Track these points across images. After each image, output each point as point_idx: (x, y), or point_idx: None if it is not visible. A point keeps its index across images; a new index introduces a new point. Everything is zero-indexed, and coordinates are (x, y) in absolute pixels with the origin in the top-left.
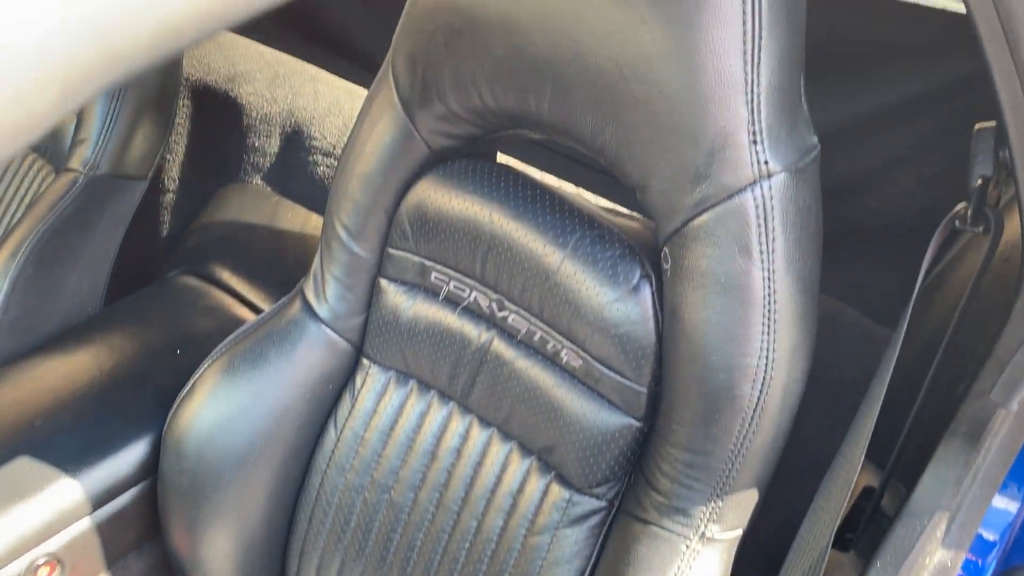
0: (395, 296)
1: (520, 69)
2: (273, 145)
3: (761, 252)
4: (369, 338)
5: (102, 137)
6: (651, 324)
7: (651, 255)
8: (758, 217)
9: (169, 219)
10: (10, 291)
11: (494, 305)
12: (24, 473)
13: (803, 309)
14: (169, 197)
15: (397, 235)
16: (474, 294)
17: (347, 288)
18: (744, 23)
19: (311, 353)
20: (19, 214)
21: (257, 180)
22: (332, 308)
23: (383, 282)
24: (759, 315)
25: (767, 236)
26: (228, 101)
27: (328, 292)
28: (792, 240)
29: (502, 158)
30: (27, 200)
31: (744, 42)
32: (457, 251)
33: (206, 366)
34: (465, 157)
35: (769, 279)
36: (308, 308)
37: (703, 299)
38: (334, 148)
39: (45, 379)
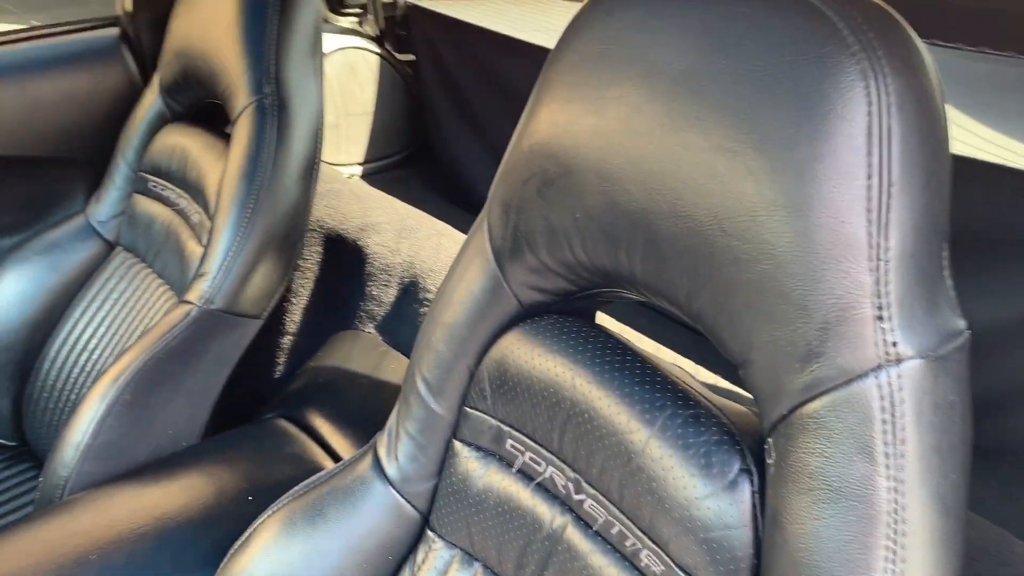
0: (468, 461)
1: (612, 221)
2: (390, 295)
3: (886, 455)
4: (437, 508)
5: (220, 272)
6: (749, 531)
7: (755, 445)
8: (883, 411)
9: (283, 360)
10: (105, 415)
11: (571, 486)
12: None
13: (942, 534)
14: (286, 340)
15: (476, 393)
16: (550, 470)
17: (420, 448)
18: (870, 176)
19: (374, 517)
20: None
21: (370, 328)
22: (402, 469)
23: (457, 444)
24: (882, 535)
25: (894, 436)
26: (356, 249)
27: (400, 450)
28: (928, 444)
29: (601, 318)
30: (146, 328)
31: (869, 198)
32: (536, 417)
33: (264, 517)
34: (557, 314)
35: (896, 490)
36: (378, 466)
37: (811, 506)
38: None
39: (112, 511)
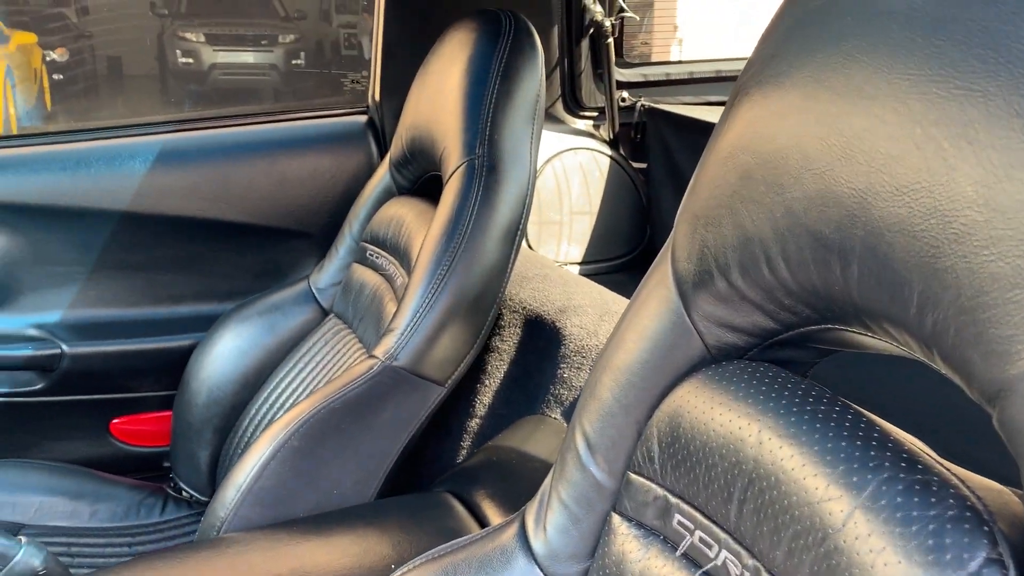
0: (625, 541)
1: (821, 215)
2: (582, 379)
3: None
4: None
5: (408, 329)
6: None
7: (1012, 531)
8: None
9: (466, 441)
10: (269, 459)
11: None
12: None
13: None
14: (473, 422)
15: (642, 455)
16: (723, 555)
17: (573, 520)
18: None
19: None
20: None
21: (557, 414)
22: (550, 543)
23: (616, 519)
24: None
25: None
26: (553, 331)
27: (550, 520)
28: None
29: None
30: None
31: None
32: (709, 484)
33: None
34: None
35: None
36: (523, 537)
37: None
38: None
39: (251, 555)
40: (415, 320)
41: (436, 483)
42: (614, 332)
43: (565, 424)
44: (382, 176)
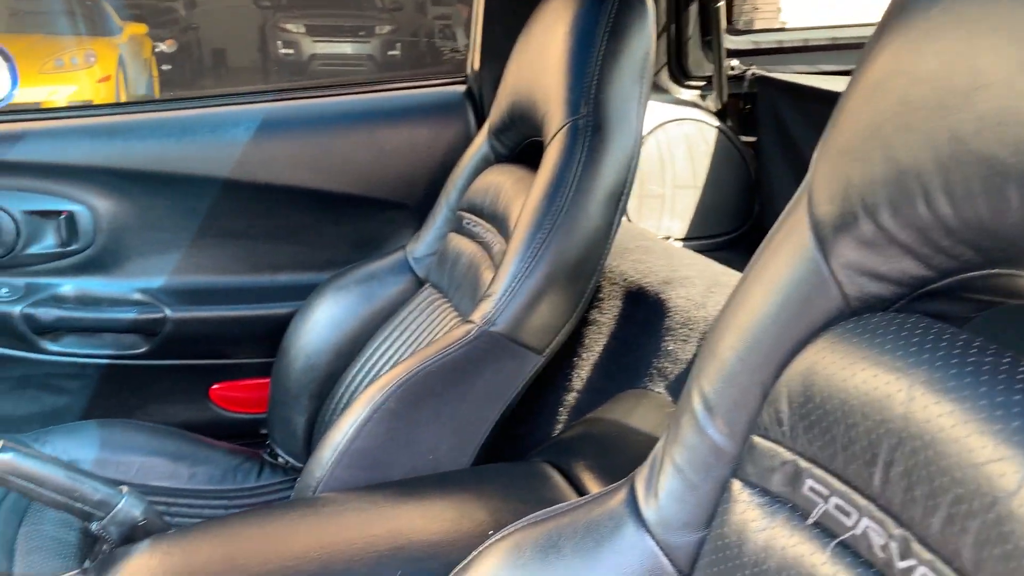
0: (748, 509)
1: (993, 139)
2: (688, 351)
3: None
4: (699, 569)
5: (507, 294)
6: None
7: None
8: None
9: (563, 414)
10: (366, 421)
11: (895, 546)
12: None
13: None
14: (570, 395)
15: (769, 417)
16: (864, 522)
17: (689, 486)
18: None
19: (619, 565)
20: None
21: (660, 388)
22: (663, 510)
23: (737, 485)
24: None
25: None
26: (657, 303)
27: (663, 486)
28: None
29: None
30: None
31: None
32: (849, 446)
33: (492, 541)
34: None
35: None
36: (633, 503)
37: None
38: None
39: (346, 514)
40: (513, 285)
41: (533, 454)
42: (736, 290)
43: (670, 398)
44: (480, 145)
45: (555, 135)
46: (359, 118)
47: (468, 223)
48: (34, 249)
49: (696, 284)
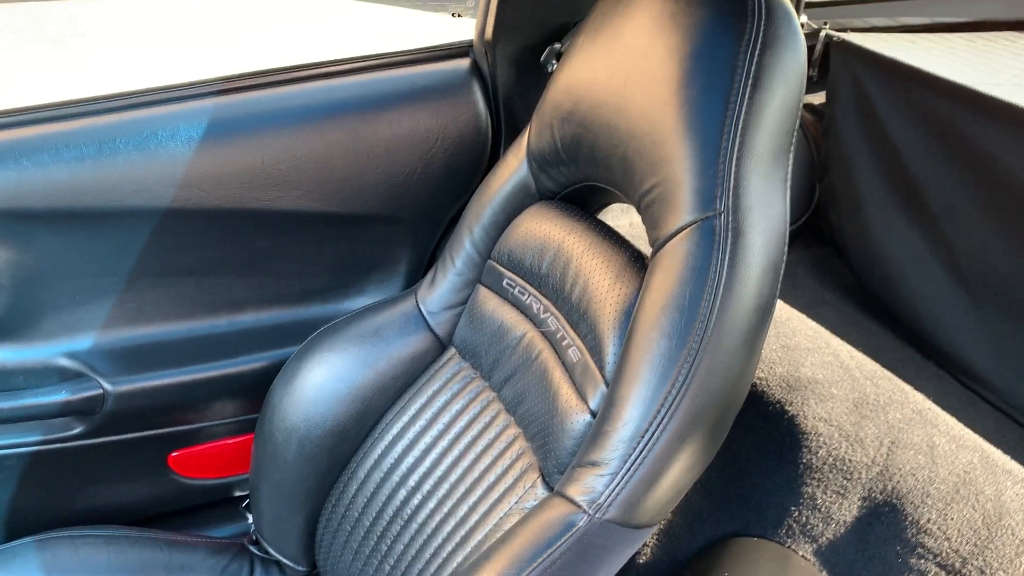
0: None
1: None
2: (843, 512)
3: None
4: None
5: (625, 470)
6: None
7: None
8: None
9: (661, 566)
10: None
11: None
12: None
13: None
14: (664, 543)
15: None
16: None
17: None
18: None
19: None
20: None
21: (791, 542)
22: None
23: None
24: None
25: None
26: (778, 417)
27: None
28: None
29: None
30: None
31: None
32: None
33: None
34: None
35: None
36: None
37: None
38: (955, 555)
39: None
40: (635, 458)
41: None
42: None
43: (799, 556)
44: (516, 168)
45: (677, 233)
46: (333, 110)
47: (511, 285)
48: None
49: (835, 398)
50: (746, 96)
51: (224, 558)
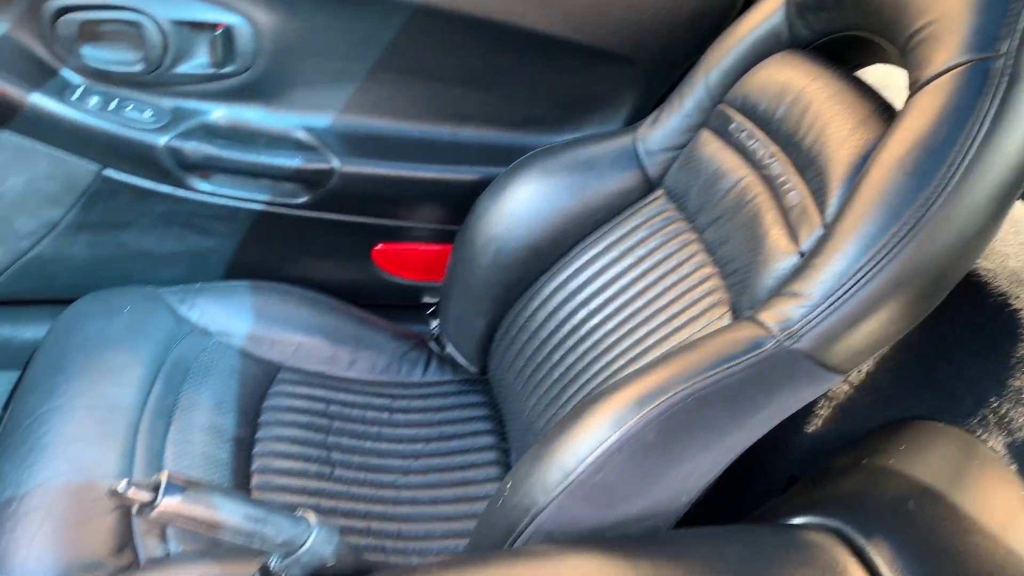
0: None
1: None
2: None
3: None
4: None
5: (826, 305)
6: None
7: None
8: None
9: (828, 438)
10: (615, 451)
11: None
12: None
13: None
14: (833, 415)
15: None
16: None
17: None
18: None
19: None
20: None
21: (980, 429)
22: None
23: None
24: None
25: None
26: (999, 308)
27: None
28: None
29: None
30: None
31: None
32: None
33: None
34: None
35: None
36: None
37: None
38: None
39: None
40: (840, 295)
41: (789, 509)
42: None
43: (977, 439)
44: (770, 12)
45: (939, 75)
46: None
47: (738, 129)
48: (183, 68)
49: None
50: None
51: (406, 345)
